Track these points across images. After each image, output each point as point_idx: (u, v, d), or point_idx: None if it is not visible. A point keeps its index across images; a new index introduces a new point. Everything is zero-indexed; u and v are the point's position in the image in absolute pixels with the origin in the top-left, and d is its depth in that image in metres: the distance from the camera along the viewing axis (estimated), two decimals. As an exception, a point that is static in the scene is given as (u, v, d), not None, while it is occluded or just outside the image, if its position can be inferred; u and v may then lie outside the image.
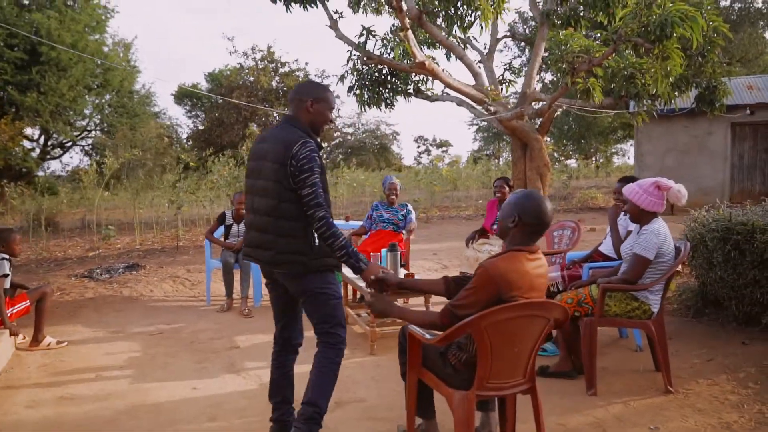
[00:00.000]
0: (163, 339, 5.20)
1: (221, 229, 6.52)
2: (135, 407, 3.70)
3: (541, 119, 12.29)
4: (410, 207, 6.58)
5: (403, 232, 6.46)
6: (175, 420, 3.50)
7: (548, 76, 26.57)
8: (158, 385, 4.07)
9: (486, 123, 43.87)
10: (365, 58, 11.15)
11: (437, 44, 12.34)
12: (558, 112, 27.67)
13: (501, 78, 13.61)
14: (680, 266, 6.12)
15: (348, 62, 11.91)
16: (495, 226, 6.29)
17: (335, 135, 36.28)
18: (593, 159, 39.07)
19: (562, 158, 36.71)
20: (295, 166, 2.80)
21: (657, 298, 3.71)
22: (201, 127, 24.97)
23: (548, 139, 33.91)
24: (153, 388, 4.02)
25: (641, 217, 3.72)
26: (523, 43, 25.46)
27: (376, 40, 11.09)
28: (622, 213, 4.68)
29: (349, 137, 38.54)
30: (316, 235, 2.87)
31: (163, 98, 53.07)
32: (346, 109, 39.90)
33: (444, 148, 50.74)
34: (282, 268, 2.92)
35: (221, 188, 10.68)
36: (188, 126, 26.71)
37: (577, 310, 3.79)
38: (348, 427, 3.39)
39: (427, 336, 2.75)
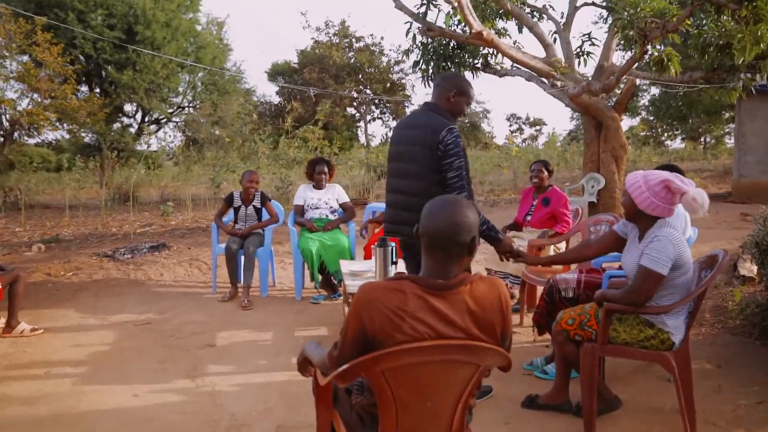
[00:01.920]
0: (145, 330, 4.84)
1: (231, 213, 6.10)
2: (59, 415, 3.31)
3: (617, 96, 11.09)
4: None
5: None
6: (90, 435, 3.07)
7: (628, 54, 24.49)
8: (101, 388, 3.67)
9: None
10: (426, 30, 10.38)
11: (510, 15, 11.35)
12: (653, 86, 25.43)
13: (579, 50, 12.37)
14: (750, 272, 5.09)
15: (407, 34, 11.19)
16: (529, 218, 5.47)
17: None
18: (701, 140, 35.98)
19: (662, 138, 34.08)
20: (442, 151, 3.05)
21: (679, 324, 2.85)
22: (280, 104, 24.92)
23: (650, 117, 31.52)
24: (93, 391, 3.62)
25: (638, 218, 2.89)
26: (604, 11, 23.42)
27: (439, 11, 10.27)
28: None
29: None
30: None
31: (257, 76, 54.10)
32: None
33: (537, 127, 48.73)
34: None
35: (268, 166, 10.35)
36: (269, 104, 26.83)
37: (578, 334, 3.00)
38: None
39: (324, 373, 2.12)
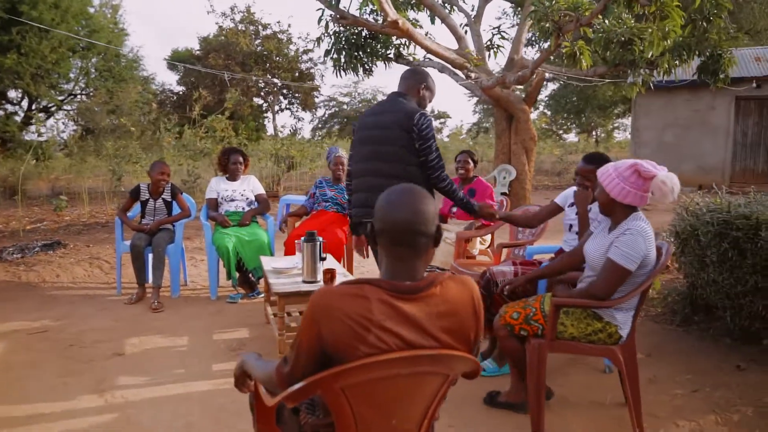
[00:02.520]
0: (40, 340, 4.31)
1: (137, 207, 5.61)
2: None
3: (527, 88, 11.32)
4: None
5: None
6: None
7: (545, 44, 25.39)
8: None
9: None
10: (338, 18, 10.11)
11: (421, 6, 11.29)
12: (550, 82, 26.41)
13: (489, 43, 12.52)
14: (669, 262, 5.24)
15: (319, 22, 10.89)
16: (455, 210, 5.37)
17: (331, 104, 35.11)
18: (593, 134, 37.90)
19: (561, 132, 35.60)
20: (416, 134, 3.20)
21: (627, 318, 2.80)
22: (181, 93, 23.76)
23: (546, 111, 32.79)
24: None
25: (613, 209, 2.75)
26: (511, 5, 24.07)
27: (352, -1, 10.04)
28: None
29: (345, 107, 37.33)
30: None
31: (156, 64, 51.54)
32: (346, 79, 38.27)
33: (442, 120, 49.55)
34: None
35: (173, 157, 9.73)
36: (171, 92, 25.48)
37: (524, 329, 2.88)
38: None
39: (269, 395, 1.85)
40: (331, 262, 4.47)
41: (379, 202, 1.69)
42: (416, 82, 3.42)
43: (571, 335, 2.80)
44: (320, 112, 34.17)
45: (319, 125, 36.72)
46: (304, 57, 23.19)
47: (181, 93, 23.10)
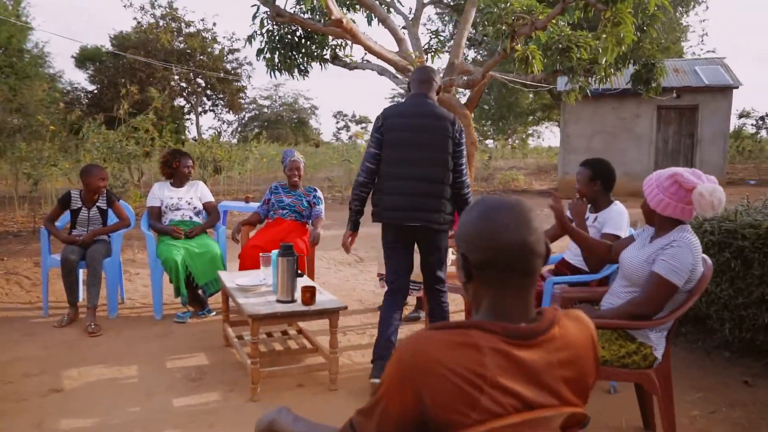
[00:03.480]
0: (-46, 375, 3.64)
1: (67, 216, 4.94)
2: None
3: (468, 93, 11.24)
4: (319, 193, 5.22)
5: (309, 225, 5.12)
6: None
7: (471, 54, 25.68)
8: None
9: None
10: (275, 15, 9.62)
11: (358, 6, 10.96)
12: (461, 91, 26.93)
13: (427, 47, 12.36)
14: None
15: (254, 19, 10.36)
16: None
17: (251, 107, 34.18)
18: (509, 140, 39.00)
19: (482, 138, 36.32)
20: (457, 140, 3.36)
21: (660, 338, 2.57)
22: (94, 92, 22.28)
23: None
24: None
25: (653, 221, 2.57)
26: (447, 16, 24.27)
27: (288, -5, 9.59)
28: (588, 209, 3.59)
29: (266, 110, 36.45)
30: None
31: (65, 61, 48.53)
32: (263, 80, 37.46)
33: (363, 125, 49.54)
34: (442, 227, 3.39)
35: (95, 160, 8.89)
36: (85, 91, 23.83)
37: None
38: None
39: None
40: (306, 278, 4.05)
41: (478, 226, 1.30)
42: (437, 83, 3.48)
43: (603, 359, 2.53)
44: (232, 117, 33.22)
45: (239, 128, 35.72)
46: (230, 57, 22.33)
47: (96, 92, 21.63)
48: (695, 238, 2.45)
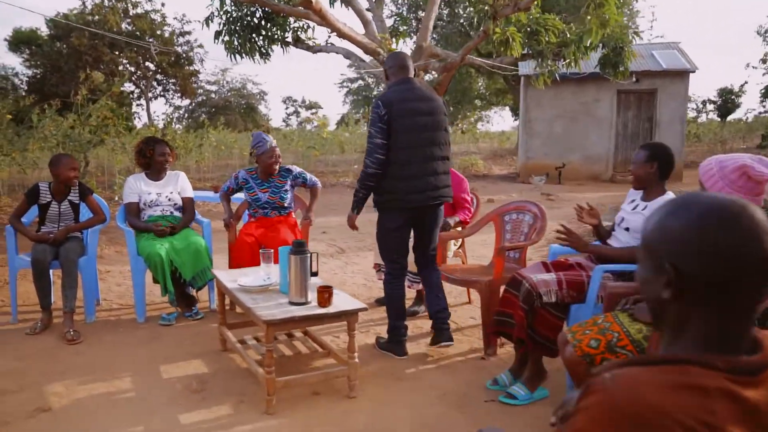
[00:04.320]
0: None
1: (33, 212, 4.50)
2: None
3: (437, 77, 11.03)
4: (297, 170, 4.84)
5: (293, 215, 4.81)
6: None
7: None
8: None
9: (363, 83, 42.06)
10: (236, -5, 9.20)
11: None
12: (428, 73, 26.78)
13: (392, 29, 12.09)
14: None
15: (213, 0, 9.90)
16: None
17: (198, 92, 33.13)
18: (459, 125, 39.16)
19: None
20: (447, 119, 3.72)
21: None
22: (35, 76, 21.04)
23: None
24: None
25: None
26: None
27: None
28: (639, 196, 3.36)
29: (213, 95, 35.42)
30: None
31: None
32: (209, 65, 36.01)
33: (313, 110, 48.95)
34: (447, 201, 3.76)
35: (52, 148, 8.29)
36: (27, 76, 22.47)
37: (607, 359, 2.40)
38: None
39: None
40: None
41: (713, 235, 0.99)
42: (417, 66, 3.62)
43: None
44: (186, 102, 32.15)
45: (185, 114, 34.63)
46: (181, 39, 21.45)
47: (38, 76, 20.42)
48: None
